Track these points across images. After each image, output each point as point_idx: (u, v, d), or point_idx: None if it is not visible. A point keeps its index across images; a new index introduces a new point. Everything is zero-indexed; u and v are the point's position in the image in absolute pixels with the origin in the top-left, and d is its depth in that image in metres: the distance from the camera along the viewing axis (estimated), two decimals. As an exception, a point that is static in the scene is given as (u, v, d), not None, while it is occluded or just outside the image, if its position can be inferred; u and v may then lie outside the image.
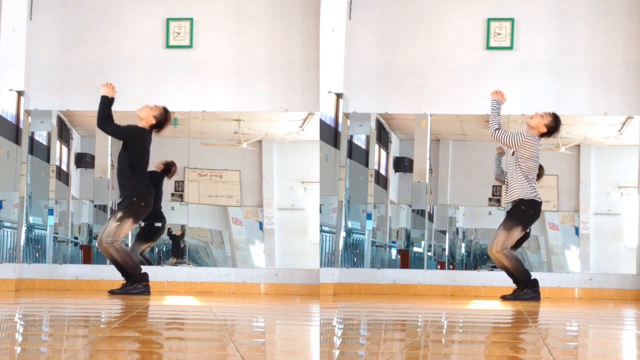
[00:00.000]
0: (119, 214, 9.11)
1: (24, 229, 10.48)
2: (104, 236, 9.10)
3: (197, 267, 10.58)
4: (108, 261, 9.74)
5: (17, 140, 10.41)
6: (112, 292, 9.18)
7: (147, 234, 10.48)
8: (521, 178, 9.16)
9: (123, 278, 9.25)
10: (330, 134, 10.21)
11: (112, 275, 9.49)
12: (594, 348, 5.16)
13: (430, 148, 10.64)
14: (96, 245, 9.28)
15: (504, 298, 9.23)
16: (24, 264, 10.44)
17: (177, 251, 10.74)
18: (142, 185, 9.19)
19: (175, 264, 10.64)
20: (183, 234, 10.72)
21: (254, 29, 10.71)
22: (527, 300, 9.12)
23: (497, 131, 9.20)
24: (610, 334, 5.97)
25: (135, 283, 9.17)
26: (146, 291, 9.13)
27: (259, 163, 10.86)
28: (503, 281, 9.52)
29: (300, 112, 10.62)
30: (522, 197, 9.17)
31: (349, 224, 10.52)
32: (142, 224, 10.24)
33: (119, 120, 10.26)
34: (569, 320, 7.19)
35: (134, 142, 9.17)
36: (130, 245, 10.41)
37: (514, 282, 9.30)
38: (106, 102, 9.18)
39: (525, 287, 9.20)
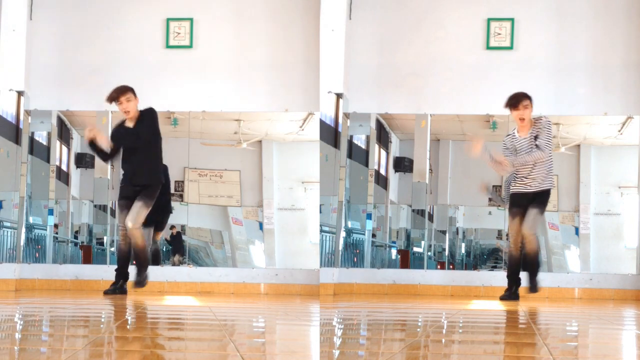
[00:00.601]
0: (149, 202, 9.05)
1: (24, 229, 10.48)
2: (132, 221, 9.02)
3: (197, 267, 10.58)
4: (108, 261, 9.73)
5: (17, 140, 10.42)
6: (107, 293, 9.16)
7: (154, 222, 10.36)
8: (551, 168, 9.14)
9: (118, 278, 9.21)
10: (330, 134, 10.21)
11: (112, 275, 9.47)
12: (594, 348, 5.16)
13: (430, 148, 10.64)
14: (121, 229, 9.13)
15: (503, 298, 9.23)
16: (24, 264, 10.44)
17: (179, 248, 10.73)
18: (161, 173, 9.23)
19: (179, 262, 10.64)
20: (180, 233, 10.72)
21: (254, 29, 10.71)
22: (532, 292, 9.11)
23: (538, 151, 9.04)
24: (610, 334, 5.97)
25: (141, 273, 9.11)
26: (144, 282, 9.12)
27: (259, 163, 10.86)
28: (503, 281, 9.51)
29: (300, 112, 10.62)
30: (550, 189, 9.17)
31: (349, 224, 10.52)
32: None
33: (119, 119, 10.26)
34: (569, 320, 7.19)
35: (158, 128, 9.18)
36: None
37: (524, 274, 9.18)
38: (94, 148, 9.08)
39: (533, 277, 9.19)
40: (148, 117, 9.08)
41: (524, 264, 9.25)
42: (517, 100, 9.06)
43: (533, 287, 9.19)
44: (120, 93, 9.06)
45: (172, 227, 10.76)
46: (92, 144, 9.07)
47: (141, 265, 9.12)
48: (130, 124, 9.11)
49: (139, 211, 9.00)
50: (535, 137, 9.03)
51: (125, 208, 9.10)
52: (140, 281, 9.06)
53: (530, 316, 7.17)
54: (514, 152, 9.14)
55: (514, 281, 9.29)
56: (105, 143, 9.07)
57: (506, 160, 9.10)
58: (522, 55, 10.53)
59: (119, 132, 9.14)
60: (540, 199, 9.13)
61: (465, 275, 10.44)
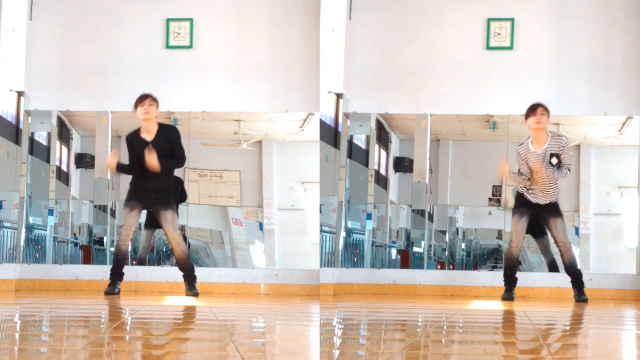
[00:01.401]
0: (173, 205, 9.11)
1: (24, 229, 10.48)
2: (174, 229, 9.05)
3: (197, 268, 10.57)
4: (108, 261, 9.75)
5: (17, 141, 10.42)
6: (108, 293, 9.14)
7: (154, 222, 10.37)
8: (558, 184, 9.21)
9: (115, 278, 9.17)
10: (330, 134, 10.21)
11: (112, 275, 9.47)
12: (594, 348, 5.17)
13: (430, 148, 10.64)
14: (125, 229, 9.11)
15: (505, 299, 9.23)
16: (24, 264, 10.44)
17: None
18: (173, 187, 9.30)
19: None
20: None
21: (254, 29, 10.71)
22: (584, 301, 9.14)
23: (568, 173, 9.14)
24: (610, 334, 5.97)
25: (193, 283, 9.15)
26: None
27: (259, 163, 10.86)
28: (503, 281, 9.51)
29: (300, 112, 10.62)
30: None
31: (349, 224, 10.52)
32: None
33: (119, 119, 10.29)
34: (568, 320, 7.20)
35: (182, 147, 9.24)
36: (143, 238, 10.46)
37: (574, 280, 9.20)
38: (124, 168, 9.14)
39: (582, 287, 9.23)
40: (173, 137, 9.05)
41: (569, 274, 9.23)
42: (534, 106, 9.04)
43: (584, 295, 9.18)
44: (145, 97, 9.00)
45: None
46: (119, 167, 9.13)
47: (191, 275, 9.14)
48: (146, 135, 9.02)
49: (172, 218, 9.05)
50: (552, 155, 9.02)
51: (135, 209, 9.04)
52: (195, 293, 9.10)
53: (530, 316, 7.17)
54: (524, 163, 9.08)
55: (513, 281, 9.30)
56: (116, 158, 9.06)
57: (533, 175, 9.09)
58: (522, 55, 10.53)
59: (138, 146, 9.00)
60: (553, 207, 9.16)
61: (465, 275, 10.44)
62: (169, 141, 9.01)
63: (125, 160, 9.18)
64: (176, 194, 9.71)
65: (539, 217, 9.26)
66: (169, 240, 9.11)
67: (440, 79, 10.60)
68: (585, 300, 9.15)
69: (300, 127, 10.70)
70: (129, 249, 9.69)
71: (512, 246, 9.24)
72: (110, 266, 9.27)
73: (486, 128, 10.59)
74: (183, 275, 9.17)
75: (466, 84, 10.56)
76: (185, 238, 10.71)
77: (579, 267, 9.32)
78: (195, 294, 9.07)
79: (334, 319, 6.64)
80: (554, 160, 9.04)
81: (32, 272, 10.46)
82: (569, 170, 9.13)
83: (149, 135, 9.01)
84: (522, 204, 9.19)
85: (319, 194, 10.31)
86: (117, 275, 9.13)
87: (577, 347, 5.11)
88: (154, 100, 9.01)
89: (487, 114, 10.52)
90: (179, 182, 10.18)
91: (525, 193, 9.16)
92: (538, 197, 9.13)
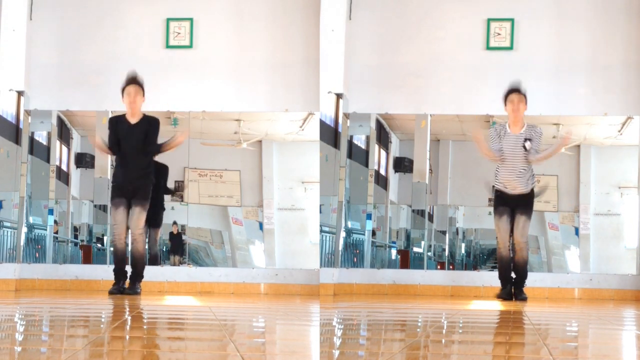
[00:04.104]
0: (145, 203, 9.13)
1: (24, 229, 10.48)
2: (135, 227, 9.10)
3: (197, 267, 10.57)
4: (108, 261, 9.77)
5: (17, 140, 10.41)
6: (112, 292, 9.18)
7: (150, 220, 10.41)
8: (531, 170, 9.21)
9: (118, 278, 9.22)
10: (330, 134, 10.21)
11: (112, 275, 9.48)
12: (594, 348, 5.17)
13: (430, 148, 10.63)
14: (116, 228, 9.19)
15: (500, 297, 9.25)
16: (24, 264, 10.44)
17: (178, 249, 10.73)
18: (152, 173, 9.32)
19: (178, 263, 10.64)
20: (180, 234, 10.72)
21: (254, 29, 10.71)
22: (523, 300, 9.15)
23: (537, 155, 9.19)
24: (610, 334, 5.97)
25: (136, 282, 9.21)
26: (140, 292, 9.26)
27: (259, 163, 10.86)
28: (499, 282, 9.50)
29: (300, 112, 10.62)
30: (532, 189, 9.22)
31: (349, 224, 10.52)
32: None
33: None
34: (569, 320, 7.19)
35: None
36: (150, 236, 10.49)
37: (517, 280, 9.24)
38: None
39: (521, 287, 9.24)
40: (154, 127, 9.20)
41: (515, 272, 9.29)
42: (512, 91, 9.18)
43: (523, 295, 9.22)
44: (136, 82, 9.26)
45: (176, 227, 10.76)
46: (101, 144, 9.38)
47: (138, 275, 9.21)
48: (131, 119, 9.21)
49: (139, 216, 9.12)
50: (526, 139, 9.11)
51: (120, 206, 9.14)
52: (136, 291, 9.14)
53: (530, 316, 7.17)
54: (499, 142, 9.19)
55: (508, 280, 9.32)
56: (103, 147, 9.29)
57: (491, 153, 9.17)
58: (522, 55, 10.53)
59: (121, 126, 9.20)
60: (526, 202, 9.16)
61: (465, 275, 10.44)
62: (147, 132, 9.18)
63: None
64: (163, 182, 10.08)
65: (512, 209, 9.25)
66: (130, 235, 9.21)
67: (440, 79, 10.60)
68: (525, 299, 9.16)
69: (300, 127, 10.70)
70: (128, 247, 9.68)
71: (499, 247, 9.28)
72: (112, 267, 9.37)
73: (486, 128, 10.58)
74: (131, 272, 9.22)
75: (466, 84, 10.56)
76: (177, 234, 10.71)
77: (527, 270, 9.32)
78: (136, 293, 9.14)
79: (334, 319, 6.64)
80: (527, 145, 9.12)
81: (32, 272, 10.46)
82: (537, 153, 9.16)
83: (133, 119, 9.24)
84: (499, 202, 9.25)
85: (319, 194, 10.31)
86: (120, 274, 9.23)
87: (577, 347, 5.11)
88: (141, 88, 9.26)
89: (487, 114, 10.52)
90: (166, 170, 10.36)
91: (499, 187, 9.19)
92: (507, 186, 9.16)
